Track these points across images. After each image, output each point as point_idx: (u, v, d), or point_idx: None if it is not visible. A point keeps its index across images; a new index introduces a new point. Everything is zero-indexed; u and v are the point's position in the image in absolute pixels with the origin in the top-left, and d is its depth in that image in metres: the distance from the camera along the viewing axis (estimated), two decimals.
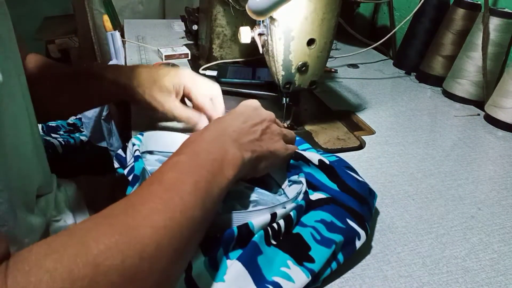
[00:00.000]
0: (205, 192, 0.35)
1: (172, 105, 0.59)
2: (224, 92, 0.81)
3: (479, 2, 0.88)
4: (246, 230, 0.38)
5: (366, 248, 0.46)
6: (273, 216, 0.40)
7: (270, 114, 0.49)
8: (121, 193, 0.45)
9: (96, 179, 0.78)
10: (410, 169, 0.62)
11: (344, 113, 0.78)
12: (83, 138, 1.12)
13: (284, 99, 0.66)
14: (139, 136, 0.52)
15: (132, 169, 0.45)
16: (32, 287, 0.23)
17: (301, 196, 0.44)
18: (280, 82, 0.62)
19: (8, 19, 0.45)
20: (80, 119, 1.22)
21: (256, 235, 0.38)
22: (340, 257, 0.42)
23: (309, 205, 0.45)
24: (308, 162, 0.48)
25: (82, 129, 1.17)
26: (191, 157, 0.38)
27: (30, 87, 0.49)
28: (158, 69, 0.62)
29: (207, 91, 0.62)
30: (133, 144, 0.49)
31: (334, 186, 0.47)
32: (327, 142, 0.67)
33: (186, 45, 1.05)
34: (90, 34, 1.81)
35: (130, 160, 0.49)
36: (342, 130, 0.72)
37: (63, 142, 1.04)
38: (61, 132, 1.12)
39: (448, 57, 0.91)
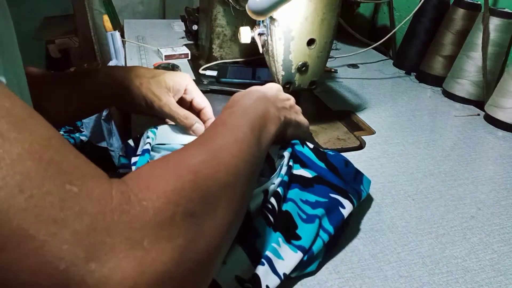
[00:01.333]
0: (259, 135, 0.40)
1: (170, 99, 0.57)
2: (224, 92, 0.81)
3: (479, 2, 0.88)
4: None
5: (366, 248, 0.46)
6: (265, 193, 0.43)
7: (292, 97, 0.54)
8: None
9: None
10: (410, 169, 0.62)
11: (344, 113, 0.78)
12: (83, 138, 1.12)
13: None
14: (154, 129, 0.53)
15: (135, 163, 0.47)
16: (152, 184, 0.26)
17: (284, 169, 0.46)
18: (280, 82, 0.62)
19: (9, 21, 0.45)
20: None
21: (258, 222, 0.41)
22: (329, 227, 0.43)
23: (292, 180, 0.46)
24: (303, 143, 0.51)
25: (82, 129, 1.17)
26: (242, 110, 0.43)
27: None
28: (157, 69, 0.62)
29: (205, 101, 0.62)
30: (147, 137, 0.50)
31: (321, 164, 0.49)
32: (327, 142, 0.67)
33: (186, 45, 1.05)
34: (90, 34, 1.81)
35: (139, 151, 0.50)
36: (342, 130, 0.71)
37: None
38: (61, 132, 1.12)
39: (448, 57, 0.91)
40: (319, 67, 0.62)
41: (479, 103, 0.84)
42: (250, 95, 0.46)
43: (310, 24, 0.57)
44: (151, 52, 1.02)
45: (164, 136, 0.54)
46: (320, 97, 0.83)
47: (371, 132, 0.72)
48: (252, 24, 0.62)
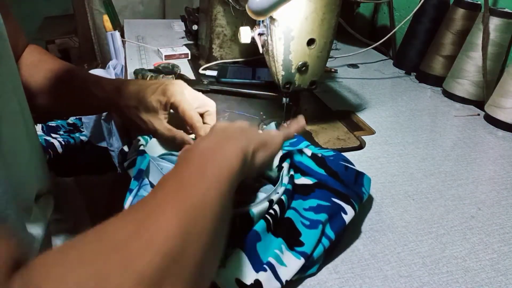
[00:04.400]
0: (216, 181, 0.33)
1: (156, 124, 0.57)
2: (224, 92, 0.81)
3: (479, 2, 0.88)
4: (246, 218, 0.41)
5: (366, 248, 0.46)
6: (270, 202, 0.42)
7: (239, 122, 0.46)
8: (121, 193, 0.45)
9: (96, 179, 0.78)
10: (410, 169, 0.62)
11: (344, 113, 0.78)
12: (83, 138, 1.12)
13: (284, 99, 0.66)
14: (146, 137, 0.54)
15: (134, 162, 0.46)
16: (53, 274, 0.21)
17: (286, 179, 0.46)
18: (280, 82, 0.62)
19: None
20: (80, 119, 1.22)
21: (258, 224, 0.40)
22: (330, 232, 0.43)
23: (295, 190, 0.46)
24: (301, 152, 0.50)
25: (82, 129, 1.17)
26: (197, 159, 0.36)
27: (25, 80, 0.49)
28: (146, 85, 0.59)
29: (201, 107, 0.60)
30: (139, 140, 0.52)
31: (321, 171, 0.49)
32: (327, 142, 0.67)
33: (186, 45, 1.05)
34: (90, 34, 1.81)
35: (132, 154, 0.50)
36: (342, 130, 0.71)
37: (63, 142, 1.04)
38: (61, 132, 1.12)
39: (448, 57, 0.91)
40: (319, 67, 0.62)
41: (479, 103, 0.84)
42: (203, 143, 0.39)
43: (310, 24, 0.57)
44: (151, 52, 1.02)
45: (154, 147, 0.55)
46: (320, 97, 0.83)
47: (371, 132, 0.72)
48: (252, 24, 0.62)
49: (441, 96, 0.90)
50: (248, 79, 0.85)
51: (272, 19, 0.56)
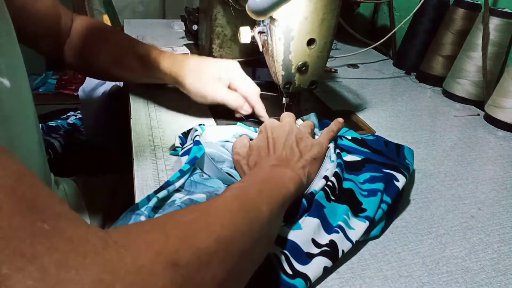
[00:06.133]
0: (269, 196, 0.39)
1: (220, 91, 0.65)
2: None
3: (479, 2, 0.88)
4: (311, 196, 0.46)
5: (366, 248, 0.46)
6: (326, 178, 0.48)
7: (286, 122, 0.54)
8: (121, 193, 0.45)
9: (96, 179, 0.78)
10: None
11: (344, 113, 0.78)
12: (83, 138, 1.12)
13: (284, 99, 0.66)
14: (203, 126, 0.58)
15: (189, 151, 0.51)
16: (133, 233, 0.25)
17: (334, 156, 0.51)
18: (280, 82, 0.62)
19: (8, 23, 0.44)
20: (80, 119, 1.22)
21: (318, 195, 0.46)
22: (387, 198, 0.48)
23: (347, 166, 0.52)
24: (341, 137, 0.57)
25: (82, 129, 1.17)
26: (259, 178, 0.43)
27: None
28: (205, 60, 0.69)
29: (250, 88, 0.68)
30: (195, 130, 0.56)
31: (365, 149, 0.56)
32: None
33: (186, 45, 1.05)
34: None
35: (188, 143, 0.55)
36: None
37: (63, 142, 1.04)
38: (61, 132, 1.12)
39: (448, 57, 0.91)
40: (319, 67, 0.62)
41: (479, 103, 0.84)
42: (254, 176, 0.45)
43: (310, 24, 0.57)
44: None
45: (210, 134, 0.59)
46: (320, 97, 0.83)
47: (371, 132, 0.72)
48: (252, 24, 0.62)
49: (441, 96, 0.90)
50: None
51: (272, 19, 0.56)
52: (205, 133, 0.58)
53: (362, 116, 0.77)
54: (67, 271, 0.20)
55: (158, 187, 0.47)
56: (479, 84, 0.84)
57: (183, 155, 0.53)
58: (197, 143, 0.52)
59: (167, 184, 0.46)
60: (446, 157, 0.66)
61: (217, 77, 0.65)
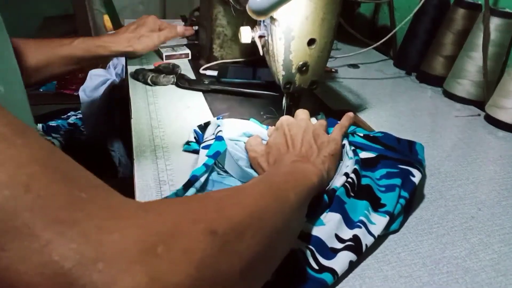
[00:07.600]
0: (294, 186, 0.40)
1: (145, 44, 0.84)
2: (225, 92, 0.81)
3: (479, 2, 0.88)
4: (332, 192, 0.47)
5: (366, 248, 0.46)
6: (346, 175, 0.49)
7: (302, 120, 0.55)
8: (121, 193, 0.45)
9: None
10: None
11: (345, 113, 0.77)
12: (83, 138, 1.12)
13: (284, 99, 0.66)
14: (220, 118, 0.59)
15: (209, 146, 0.52)
16: (173, 204, 0.27)
17: (350, 153, 0.53)
18: (281, 82, 0.62)
19: (2, 28, 0.45)
20: (80, 118, 1.22)
21: (338, 191, 0.47)
22: (404, 193, 0.49)
23: (362, 162, 0.53)
24: (353, 134, 0.58)
25: (82, 129, 1.17)
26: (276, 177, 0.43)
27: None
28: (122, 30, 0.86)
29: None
30: (217, 125, 0.57)
31: (378, 146, 0.57)
32: None
33: (186, 45, 1.05)
34: (91, 34, 1.81)
35: (209, 137, 0.56)
36: None
37: (63, 142, 1.04)
38: (61, 132, 1.12)
39: (448, 57, 0.91)
40: (319, 67, 0.62)
41: (480, 103, 0.84)
42: (279, 169, 0.47)
43: (311, 24, 0.57)
44: (151, 52, 1.02)
45: (228, 128, 0.60)
46: (320, 97, 0.83)
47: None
48: (253, 24, 0.62)
49: (441, 96, 0.90)
50: (248, 79, 0.85)
51: (272, 19, 0.56)
52: (225, 125, 0.59)
53: (363, 116, 0.77)
54: (109, 233, 0.21)
55: (185, 181, 0.47)
56: (479, 84, 0.84)
57: (204, 148, 0.53)
58: (219, 138, 0.53)
59: (194, 178, 0.47)
60: (446, 157, 0.66)
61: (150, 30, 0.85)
